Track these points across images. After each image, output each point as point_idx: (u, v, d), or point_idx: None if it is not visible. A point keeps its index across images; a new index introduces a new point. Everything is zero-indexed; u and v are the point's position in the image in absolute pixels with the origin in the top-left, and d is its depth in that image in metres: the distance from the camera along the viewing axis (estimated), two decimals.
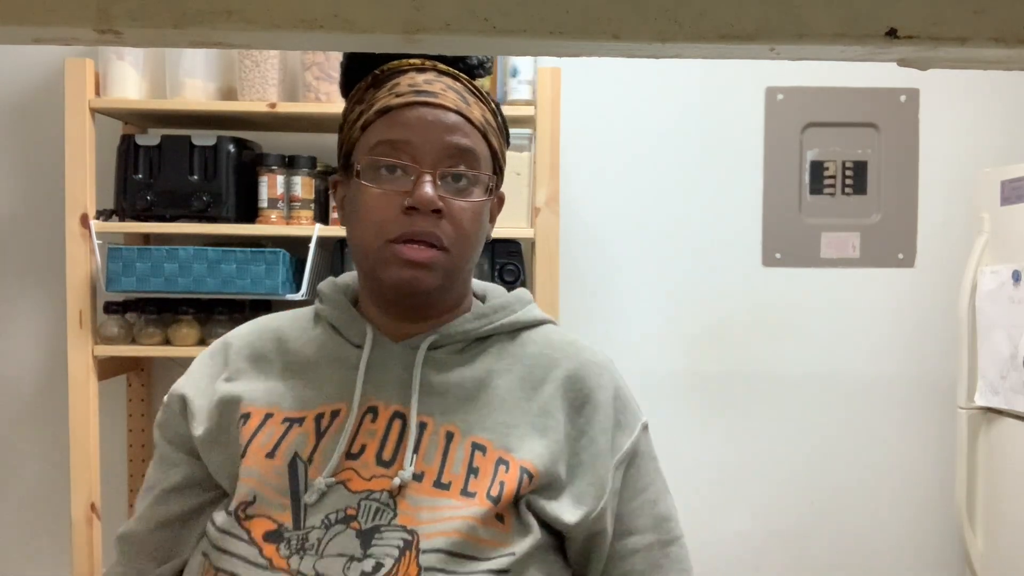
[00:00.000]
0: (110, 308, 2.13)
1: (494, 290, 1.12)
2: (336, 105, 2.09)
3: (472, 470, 0.95)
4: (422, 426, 0.97)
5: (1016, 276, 2.06)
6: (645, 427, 1.07)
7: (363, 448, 0.97)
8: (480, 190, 0.99)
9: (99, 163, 2.10)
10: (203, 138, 2.08)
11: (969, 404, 2.19)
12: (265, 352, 1.06)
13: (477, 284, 1.12)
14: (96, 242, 2.05)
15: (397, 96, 0.98)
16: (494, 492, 0.94)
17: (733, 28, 0.33)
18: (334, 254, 2.13)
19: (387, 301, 1.02)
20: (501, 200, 1.10)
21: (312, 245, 2.07)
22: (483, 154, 1.00)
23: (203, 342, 2.13)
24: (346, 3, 0.33)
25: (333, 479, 0.94)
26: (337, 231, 2.11)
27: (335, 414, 0.99)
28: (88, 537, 2.05)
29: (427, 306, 1.02)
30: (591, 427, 1.01)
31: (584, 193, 2.44)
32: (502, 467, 0.95)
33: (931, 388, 2.46)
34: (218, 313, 2.14)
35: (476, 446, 0.96)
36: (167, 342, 2.14)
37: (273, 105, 2.07)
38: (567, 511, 0.97)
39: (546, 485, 0.96)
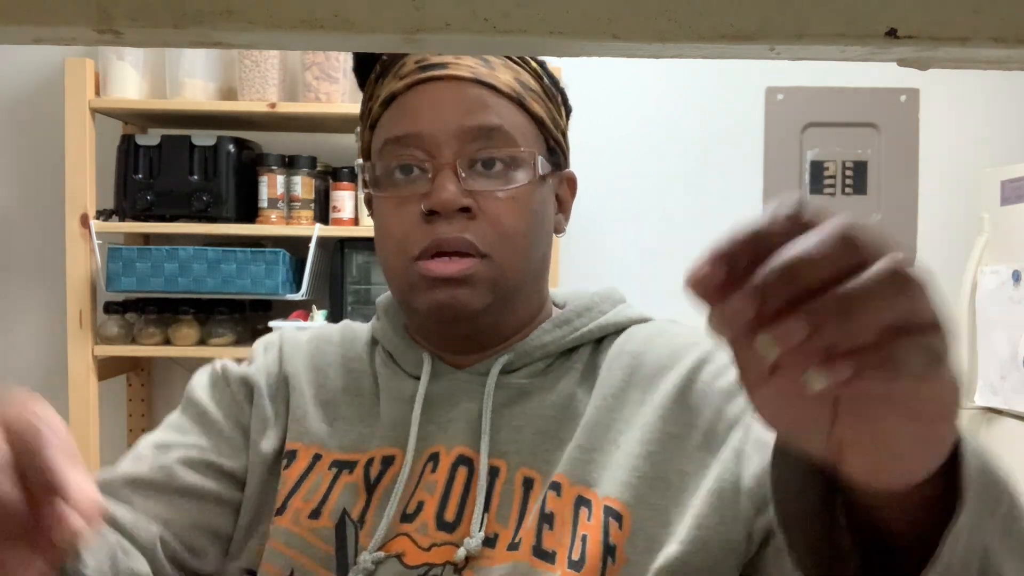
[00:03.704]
0: (110, 308, 2.13)
1: (576, 293, 0.90)
2: (336, 105, 2.09)
3: (544, 517, 0.72)
4: (493, 472, 0.76)
5: (1016, 276, 2.06)
6: None
7: (420, 506, 0.75)
8: (524, 173, 0.78)
9: (99, 163, 2.10)
10: (203, 138, 2.08)
11: (969, 404, 2.19)
12: (325, 363, 0.86)
13: (556, 293, 0.91)
14: (96, 242, 2.05)
15: (400, 79, 0.79)
16: (575, 555, 0.70)
17: (733, 28, 0.33)
18: (334, 254, 2.13)
19: (434, 333, 0.83)
20: (572, 182, 0.90)
21: (312, 245, 2.07)
22: (520, 127, 0.79)
23: (203, 342, 2.13)
24: (346, 3, 0.33)
25: (382, 553, 0.73)
26: (337, 231, 2.11)
27: (387, 462, 0.79)
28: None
29: (482, 332, 0.81)
30: (700, 416, 0.75)
31: (583, 193, 2.42)
32: (583, 510, 0.72)
33: None
34: (218, 313, 2.14)
35: (552, 486, 0.74)
36: (167, 342, 2.14)
37: (273, 105, 2.07)
38: (686, 528, 0.70)
39: (657, 529, 0.71)
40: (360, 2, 0.33)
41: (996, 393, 2.11)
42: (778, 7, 0.33)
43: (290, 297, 2.09)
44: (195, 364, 2.47)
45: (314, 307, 2.11)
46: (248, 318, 2.23)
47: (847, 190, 2.46)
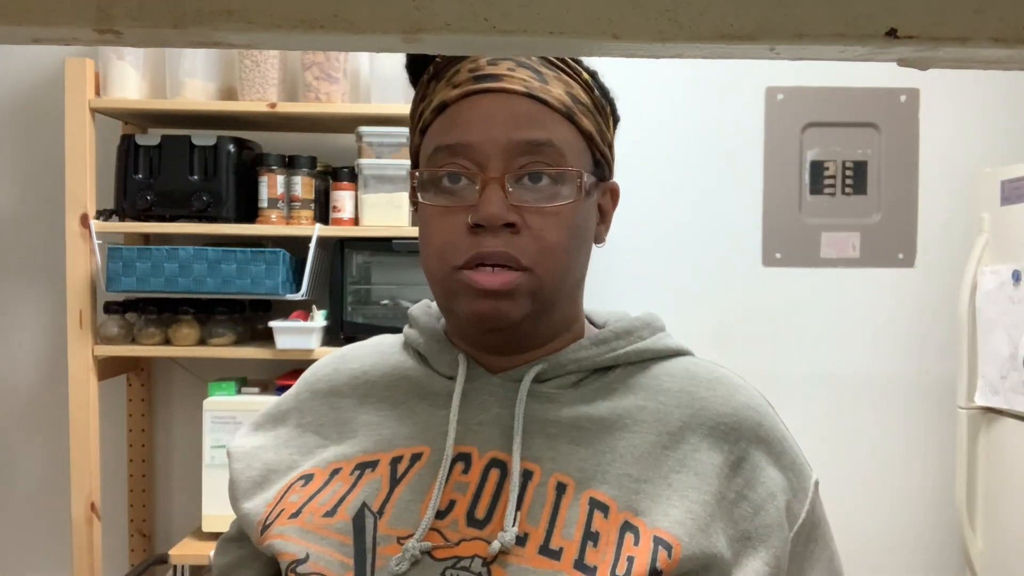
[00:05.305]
0: (110, 308, 2.13)
1: (616, 314, 0.94)
2: (336, 105, 2.09)
3: (590, 535, 0.75)
4: (526, 475, 0.79)
5: (1016, 276, 2.06)
6: (817, 486, 0.87)
7: (451, 504, 0.79)
8: (569, 189, 0.80)
9: (99, 163, 2.10)
10: (203, 138, 2.08)
11: (969, 404, 2.19)
12: (339, 385, 0.92)
13: (597, 311, 0.95)
14: (96, 242, 2.05)
15: (454, 87, 0.81)
16: (620, 570, 0.73)
17: (733, 28, 0.33)
18: (334, 254, 2.13)
19: (472, 337, 0.86)
20: (615, 194, 0.90)
21: (312, 245, 2.07)
22: (568, 143, 0.81)
23: (203, 342, 2.13)
24: (346, 3, 0.33)
25: (428, 543, 0.77)
26: (337, 231, 2.11)
27: (415, 458, 0.83)
28: (88, 537, 2.05)
29: (520, 338, 0.85)
30: (753, 491, 0.80)
31: None
32: (629, 535, 0.75)
33: (931, 388, 2.46)
34: (218, 313, 2.14)
35: (595, 504, 0.77)
36: (167, 342, 2.14)
37: (273, 105, 2.07)
38: None
39: (703, 567, 0.76)
40: (360, 2, 0.33)
41: (996, 393, 2.11)
42: (778, 7, 0.33)
43: (290, 297, 2.09)
44: (195, 364, 2.48)
45: (314, 307, 2.11)
46: (248, 318, 2.23)
47: (847, 190, 2.46)
